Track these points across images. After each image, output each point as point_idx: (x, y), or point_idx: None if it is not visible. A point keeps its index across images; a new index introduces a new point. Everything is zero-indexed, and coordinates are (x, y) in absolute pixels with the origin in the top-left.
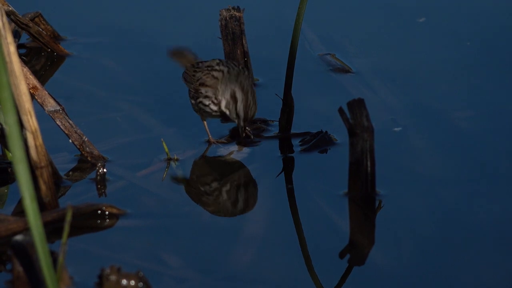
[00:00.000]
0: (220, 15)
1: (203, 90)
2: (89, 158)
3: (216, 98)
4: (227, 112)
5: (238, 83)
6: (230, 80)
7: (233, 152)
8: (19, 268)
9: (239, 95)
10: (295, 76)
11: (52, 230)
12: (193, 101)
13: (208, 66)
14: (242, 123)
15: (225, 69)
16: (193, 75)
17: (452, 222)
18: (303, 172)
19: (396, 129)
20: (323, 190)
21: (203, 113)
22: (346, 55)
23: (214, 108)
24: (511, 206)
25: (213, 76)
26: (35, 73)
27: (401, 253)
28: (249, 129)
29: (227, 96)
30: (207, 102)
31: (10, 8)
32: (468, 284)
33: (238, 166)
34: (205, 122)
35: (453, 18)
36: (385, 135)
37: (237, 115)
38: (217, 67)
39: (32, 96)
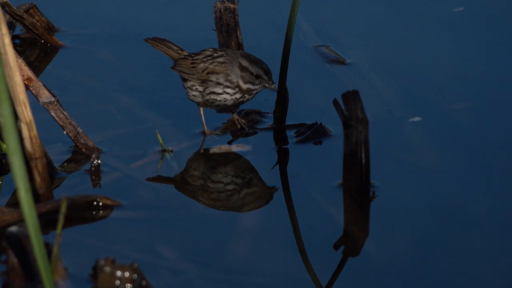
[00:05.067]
0: (214, 7)
1: (213, 77)
2: (83, 150)
3: (231, 82)
4: (250, 86)
5: (238, 55)
6: (232, 58)
7: (228, 148)
8: (13, 260)
9: (244, 62)
10: (290, 67)
11: (47, 222)
12: (195, 93)
13: (207, 56)
14: (268, 76)
15: (223, 53)
16: (193, 67)
17: (447, 213)
18: (297, 164)
19: (414, 119)
20: (317, 181)
21: (210, 103)
22: (341, 47)
23: (232, 91)
24: (506, 197)
25: (219, 62)
26: (29, 64)
27: (396, 244)
28: (243, 121)
29: (238, 71)
30: (219, 90)
31: (5, 0)
32: (463, 275)
33: (233, 157)
34: (201, 111)
35: (452, 11)
36: (380, 126)
37: (258, 76)
38: (216, 54)
39: (27, 88)
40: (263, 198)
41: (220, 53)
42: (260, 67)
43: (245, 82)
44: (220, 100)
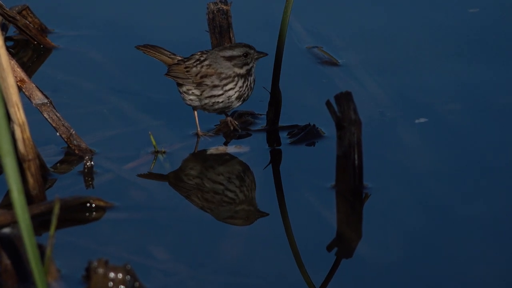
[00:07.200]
0: (207, 8)
1: (208, 81)
2: (76, 151)
3: (227, 78)
4: (247, 66)
5: (216, 53)
6: (214, 58)
7: (226, 149)
8: (6, 261)
9: (227, 53)
10: (283, 69)
11: (40, 223)
12: (191, 97)
13: (197, 61)
14: (253, 49)
15: (206, 55)
16: (187, 71)
17: (440, 215)
18: (291, 165)
19: (420, 120)
20: (310, 183)
21: (209, 107)
22: (334, 48)
23: (234, 84)
24: (499, 198)
25: (207, 65)
26: (22, 66)
27: (389, 246)
28: (236, 123)
29: (227, 64)
30: (219, 92)
31: None
32: (456, 277)
33: (226, 159)
34: (195, 113)
35: (445, 12)
36: (373, 128)
37: (246, 54)
38: (202, 58)
39: (20, 89)
40: (249, 219)
41: (205, 56)
42: (241, 46)
43: (241, 67)
44: (223, 101)
